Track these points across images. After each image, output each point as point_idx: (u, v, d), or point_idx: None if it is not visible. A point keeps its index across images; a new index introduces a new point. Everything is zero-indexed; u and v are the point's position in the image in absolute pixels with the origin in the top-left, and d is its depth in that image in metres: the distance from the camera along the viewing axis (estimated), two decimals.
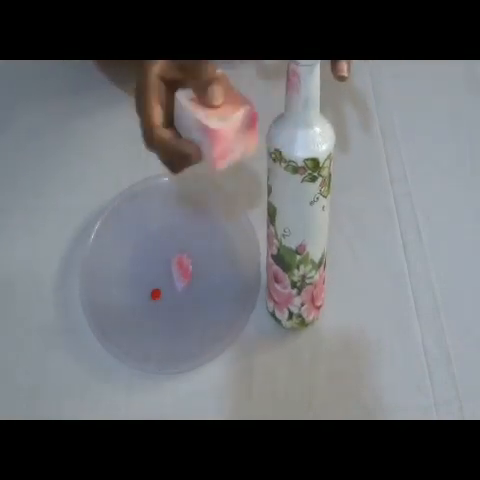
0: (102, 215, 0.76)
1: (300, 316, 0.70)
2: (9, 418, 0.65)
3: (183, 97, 0.54)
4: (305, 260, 0.64)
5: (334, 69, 0.52)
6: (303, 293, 0.67)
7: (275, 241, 0.64)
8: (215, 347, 0.70)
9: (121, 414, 0.69)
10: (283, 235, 0.63)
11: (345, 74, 0.52)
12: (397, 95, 0.89)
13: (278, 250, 0.64)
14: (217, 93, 0.53)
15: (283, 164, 0.57)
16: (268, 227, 0.65)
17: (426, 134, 0.84)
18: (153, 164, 0.82)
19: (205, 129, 0.52)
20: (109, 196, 0.78)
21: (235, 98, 0.54)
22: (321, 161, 0.57)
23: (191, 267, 0.76)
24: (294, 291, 0.67)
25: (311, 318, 0.71)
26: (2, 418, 0.65)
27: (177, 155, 0.54)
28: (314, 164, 0.57)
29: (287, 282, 0.66)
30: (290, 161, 0.57)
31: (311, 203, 0.60)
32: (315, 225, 0.62)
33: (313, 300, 0.69)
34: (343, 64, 0.52)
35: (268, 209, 0.63)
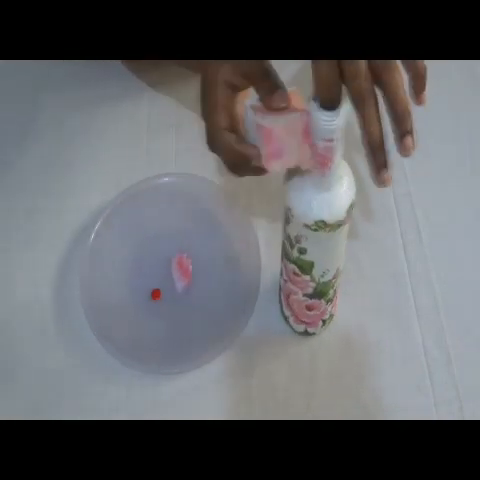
0: (102, 215, 0.76)
1: (331, 316, 0.70)
2: (9, 418, 0.65)
3: (250, 104, 0.54)
4: (337, 279, 0.64)
5: (377, 180, 0.52)
6: (334, 299, 0.68)
7: (311, 284, 0.62)
8: (215, 347, 0.70)
9: (121, 414, 0.69)
10: (322, 276, 0.61)
11: (388, 184, 0.52)
12: None
13: (315, 289, 0.63)
14: (282, 97, 0.52)
15: (327, 229, 0.55)
16: (296, 276, 0.62)
17: (426, 134, 0.84)
18: (153, 164, 0.83)
19: (259, 128, 0.52)
20: (109, 196, 0.78)
21: (299, 106, 0.53)
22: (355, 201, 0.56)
23: (191, 267, 0.76)
24: (328, 304, 0.67)
25: (335, 309, 0.71)
26: (2, 418, 0.65)
27: (238, 158, 0.54)
28: (352, 207, 0.56)
29: (323, 304, 0.66)
30: (337, 221, 0.55)
31: (345, 237, 0.59)
32: (344, 249, 0.62)
33: (336, 296, 0.69)
34: (387, 177, 0.52)
35: (299, 265, 0.61)
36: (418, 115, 0.86)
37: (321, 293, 0.64)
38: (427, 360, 0.71)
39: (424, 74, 0.52)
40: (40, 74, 0.87)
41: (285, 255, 0.62)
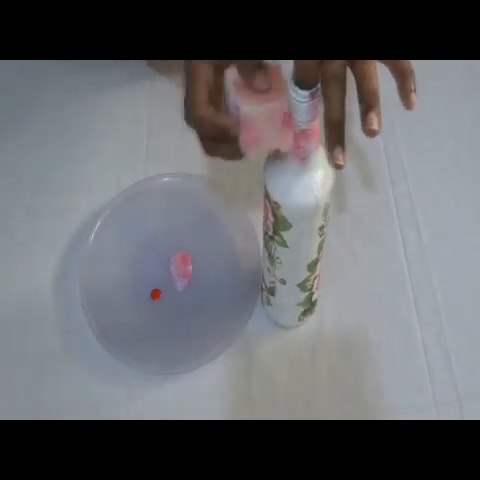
0: (102, 215, 0.76)
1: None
2: (9, 418, 0.65)
3: (231, 78, 0.53)
4: None
5: (331, 158, 0.52)
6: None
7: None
8: (215, 347, 0.70)
9: (121, 414, 0.69)
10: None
11: (341, 162, 0.52)
12: (397, 95, 0.89)
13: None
14: (262, 78, 0.52)
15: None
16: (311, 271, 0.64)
17: (426, 134, 0.84)
18: (153, 164, 0.83)
19: (238, 110, 0.52)
20: (109, 196, 0.78)
21: (280, 89, 0.52)
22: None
23: (191, 266, 0.76)
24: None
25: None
26: (2, 418, 0.65)
27: (215, 129, 0.53)
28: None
29: None
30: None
31: None
32: None
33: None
34: (339, 154, 0.51)
35: (322, 242, 0.62)
36: (418, 115, 0.86)
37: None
38: (427, 360, 0.71)
39: (409, 73, 0.52)
40: (40, 72, 0.87)
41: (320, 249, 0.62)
